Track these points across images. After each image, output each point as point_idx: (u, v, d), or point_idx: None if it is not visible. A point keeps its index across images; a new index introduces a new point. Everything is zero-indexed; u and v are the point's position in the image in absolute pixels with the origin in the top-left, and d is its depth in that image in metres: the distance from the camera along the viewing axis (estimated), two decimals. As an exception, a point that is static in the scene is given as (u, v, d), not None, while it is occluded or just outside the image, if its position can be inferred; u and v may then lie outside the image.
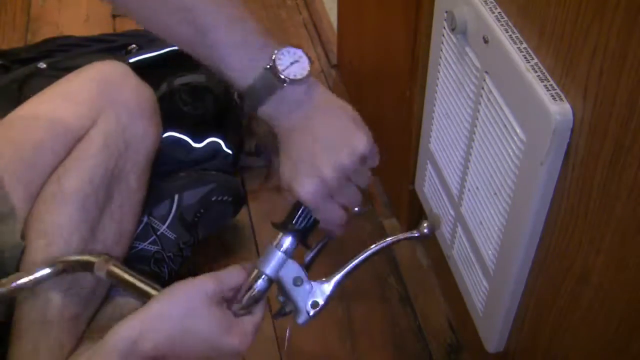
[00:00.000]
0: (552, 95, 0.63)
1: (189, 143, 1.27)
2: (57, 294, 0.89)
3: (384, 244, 0.74)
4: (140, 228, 1.10)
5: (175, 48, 1.38)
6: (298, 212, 0.67)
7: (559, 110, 0.63)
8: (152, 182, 1.05)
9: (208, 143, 1.29)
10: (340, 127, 0.65)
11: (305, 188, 0.64)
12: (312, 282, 0.70)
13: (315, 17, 1.79)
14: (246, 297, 0.68)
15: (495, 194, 0.78)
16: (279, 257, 0.67)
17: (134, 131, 0.96)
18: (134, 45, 1.39)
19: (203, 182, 1.18)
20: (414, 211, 1.22)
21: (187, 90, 1.28)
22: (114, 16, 1.84)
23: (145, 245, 1.11)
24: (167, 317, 0.66)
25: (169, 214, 1.14)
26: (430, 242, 1.20)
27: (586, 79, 0.60)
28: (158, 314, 0.66)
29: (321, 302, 0.70)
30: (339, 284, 0.71)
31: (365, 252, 0.74)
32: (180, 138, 1.26)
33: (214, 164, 1.28)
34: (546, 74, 0.65)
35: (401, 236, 0.76)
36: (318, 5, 1.81)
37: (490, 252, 0.82)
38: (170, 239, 1.13)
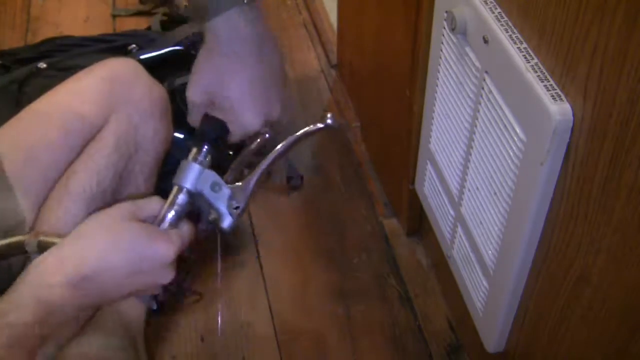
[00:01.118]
0: (552, 95, 0.63)
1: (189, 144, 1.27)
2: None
3: (294, 138, 0.75)
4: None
5: (176, 48, 1.39)
6: (207, 121, 0.68)
7: (559, 110, 0.63)
8: (159, 183, 1.04)
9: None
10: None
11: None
12: (231, 186, 0.71)
13: (315, 17, 1.79)
14: (169, 213, 0.69)
15: (495, 194, 0.78)
16: (193, 168, 0.68)
17: (144, 132, 0.95)
18: (133, 45, 1.39)
19: (203, 182, 1.17)
20: (414, 211, 1.22)
21: (187, 90, 1.28)
22: (114, 16, 1.84)
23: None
24: (86, 237, 0.66)
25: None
26: (430, 242, 1.20)
27: (586, 79, 0.60)
28: (76, 236, 0.66)
29: (243, 204, 0.71)
30: (255, 183, 0.72)
31: (278, 148, 0.75)
32: (180, 138, 1.26)
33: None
34: (546, 74, 0.65)
35: (310, 128, 0.76)
36: (318, 5, 1.81)
37: (490, 252, 0.82)
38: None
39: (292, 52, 1.71)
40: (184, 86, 1.27)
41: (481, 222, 0.84)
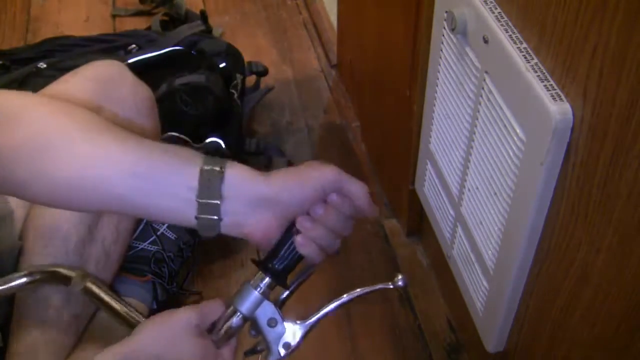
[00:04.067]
0: (552, 95, 0.63)
1: (189, 143, 1.27)
2: (56, 294, 0.89)
3: (358, 294, 0.77)
4: (140, 228, 1.10)
5: (176, 48, 1.39)
6: (279, 253, 0.66)
7: (559, 110, 0.63)
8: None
9: (208, 143, 1.29)
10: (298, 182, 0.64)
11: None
12: (286, 323, 0.71)
13: (315, 17, 1.79)
14: (222, 331, 0.69)
15: (495, 194, 0.78)
16: (255, 297, 0.68)
17: (131, 130, 0.95)
18: (134, 45, 1.39)
19: (203, 182, 1.18)
20: (414, 211, 1.22)
21: (187, 90, 1.28)
22: (114, 16, 1.84)
23: (145, 245, 1.11)
24: (151, 348, 0.67)
25: (168, 214, 1.14)
26: (430, 242, 1.20)
27: (586, 79, 0.60)
28: (142, 345, 0.67)
29: (293, 344, 0.72)
30: (312, 327, 0.73)
31: (339, 299, 0.76)
32: (180, 138, 1.26)
33: (214, 164, 1.28)
34: (546, 74, 0.65)
35: (377, 287, 0.77)
36: (318, 5, 1.81)
37: (490, 252, 0.82)
38: (170, 239, 1.13)
39: (292, 52, 1.71)
40: (183, 86, 1.28)
41: (481, 222, 0.84)
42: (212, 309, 0.69)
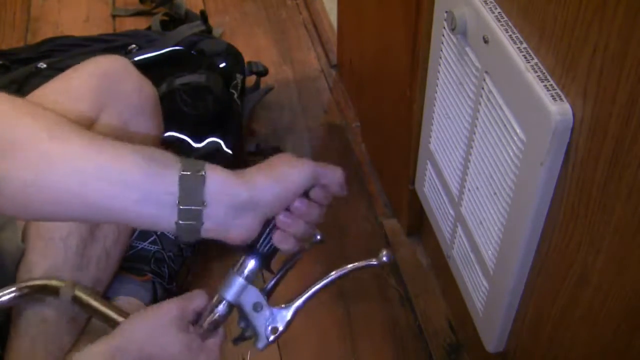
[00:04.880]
0: (552, 95, 0.63)
1: (189, 143, 1.27)
2: (53, 300, 0.89)
3: (344, 272, 0.77)
4: (140, 228, 1.10)
5: (176, 48, 1.39)
6: (261, 238, 0.66)
7: (559, 110, 0.63)
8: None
9: (208, 143, 1.29)
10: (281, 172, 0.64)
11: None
12: (272, 308, 0.71)
13: (315, 17, 1.79)
14: (207, 321, 0.69)
15: (495, 194, 0.78)
16: (239, 283, 0.68)
17: (135, 128, 0.95)
18: (133, 45, 1.39)
19: (203, 182, 1.18)
20: (414, 211, 1.22)
21: (187, 90, 1.28)
22: (114, 16, 1.84)
23: (145, 245, 1.11)
24: (134, 342, 0.67)
25: (169, 214, 1.14)
26: (430, 242, 1.20)
27: (586, 79, 0.60)
28: (125, 340, 0.67)
29: (281, 327, 0.71)
30: (298, 310, 0.73)
31: (325, 278, 0.76)
32: (180, 138, 1.26)
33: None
34: (546, 74, 0.65)
35: (360, 264, 0.77)
36: (318, 5, 1.81)
37: (490, 252, 0.82)
38: (170, 239, 1.13)
39: (292, 52, 1.71)
40: (183, 86, 1.28)
41: (481, 222, 0.84)
42: (196, 300, 0.69)
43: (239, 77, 1.41)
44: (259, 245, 0.67)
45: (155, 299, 1.10)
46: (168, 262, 1.13)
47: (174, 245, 1.14)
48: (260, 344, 0.71)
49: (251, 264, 0.68)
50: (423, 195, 1.08)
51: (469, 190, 0.87)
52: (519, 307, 0.83)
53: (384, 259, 0.74)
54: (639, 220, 0.57)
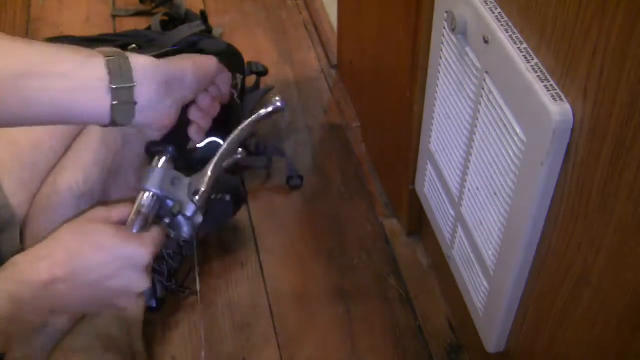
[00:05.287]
0: (552, 95, 0.63)
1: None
2: None
3: (251, 120, 0.77)
4: (140, 227, 1.10)
5: (175, 48, 1.39)
6: (172, 131, 0.69)
7: (559, 110, 0.63)
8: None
9: (208, 143, 1.28)
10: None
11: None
12: (190, 177, 0.72)
13: (315, 17, 1.79)
14: (137, 216, 0.69)
15: (495, 194, 0.78)
16: (154, 170, 0.70)
17: None
18: (133, 45, 1.39)
19: (203, 182, 1.18)
20: (414, 211, 1.22)
21: (187, 90, 1.28)
22: (114, 16, 1.84)
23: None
24: (58, 239, 0.66)
25: (169, 213, 1.14)
26: (430, 242, 1.20)
27: (586, 79, 0.60)
28: (50, 239, 0.66)
29: (202, 187, 0.72)
30: (214, 167, 0.73)
31: (232, 135, 0.76)
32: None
33: (214, 164, 1.28)
34: (546, 74, 0.65)
35: (261, 112, 0.78)
36: (318, 5, 1.81)
37: (490, 252, 0.82)
38: (169, 237, 1.13)
39: (292, 52, 1.71)
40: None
41: (481, 222, 0.84)
42: (118, 207, 0.70)
43: (239, 77, 1.41)
44: (171, 136, 0.69)
45: (154, 296, 1.10)
46: (167, 260, 1.13)
47: (174, 244, 1.14)
48: (189, 210, 0.71)
49: (166, 152, 0.70)
50: (423, 195, 1.08)
51: (469, 190, 0.87)
52: (519, 307, 0.83)
53: (278, 104, 0.77)
54: (639, 220, 0.57)
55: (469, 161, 0.85)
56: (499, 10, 0.73)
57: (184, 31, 1.43)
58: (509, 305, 0.82)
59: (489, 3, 0.74)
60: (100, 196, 0.92)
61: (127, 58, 0.62)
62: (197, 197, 0.71)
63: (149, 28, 1.63)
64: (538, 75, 0.65)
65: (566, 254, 0.69)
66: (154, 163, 0.70)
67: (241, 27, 1.80)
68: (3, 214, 0.87)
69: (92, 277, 0.65)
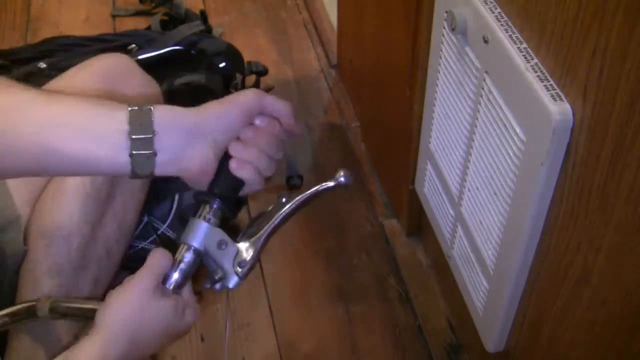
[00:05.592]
0: (552, 95, 0.63)
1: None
2: (56, 294, 0.89)
3: (304, 197, 0.72)
4: (140, 227, 1.10)
5: (175, 48, 1.39)
6: (217, 179, 0.66)
7: (559, 110, 0.63)
8: (153, 182, 1.05)
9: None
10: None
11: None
12: (238, 244, 0.69)
13: (315, 17, 1.79)
14: (177, 272, 0.68)
15: (495, 194, 0.78)
16: (201, 226, 0.67)
17: None
18: (133, 45, 1.39)
19: (203, 182, 1.18)
20: (414, 211, 1.22)
21: (187, 90, 1.28)
22: (113, 16, 1.84)
23: (145, 244, 1.11)
24: (121, 331, 0.65)
25: (169, 214, 1.14)
26: (430, 242, 1.20)
27: (586, 79, 0.60)
28: (110, 332, 0.65)
29: (248, 259, 0.69)
30: (265, 241, 0.70)
31: (288, 207, 0.72)
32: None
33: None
34: (546, 74, 0.65)
35: (320, 187, 0.73)
36: (318, 5, 1.81)
37: (490, 252, 0.82)
38: (170, 239, 1.13)
39: (292, 52, 1.71)
40: (183, 86, 1.28)
41: (481, 222, 0.84)
42: (161, 261, 0.68)
43: (238, 77, 1.41)
44: (217, 184, 0.66)
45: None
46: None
47: (174, 245, 1.13)
48: (231, 283, 0.69)
49: (211, 205, 0.67)
50: (423, 195, 1.08)
51: (469, 190, 0.87)
52: (519, 307, 0.83)
53: (342, 179, 0.72)
54: (639, 220, 0.57)
55: (469, 161, 0.85)
56: (499, 10, 0.73)
57: (184, 31, 1.43)
58: (509, 305, 0.82)
59: (489, 3, 0.74)
60: (105, 197, 0.92)
61: (149, 108, 0.62)
62: (241, 270, 0.69)
63: (149, 28, 1.62)
64: (538, 75, 0.65)
65: (566, 254, 0.69)
66: (200, 215, 0.67)
67: (241, 27, 1.80)
68: (8, 214, 0.87)
69: (155, 347, 0.67)
